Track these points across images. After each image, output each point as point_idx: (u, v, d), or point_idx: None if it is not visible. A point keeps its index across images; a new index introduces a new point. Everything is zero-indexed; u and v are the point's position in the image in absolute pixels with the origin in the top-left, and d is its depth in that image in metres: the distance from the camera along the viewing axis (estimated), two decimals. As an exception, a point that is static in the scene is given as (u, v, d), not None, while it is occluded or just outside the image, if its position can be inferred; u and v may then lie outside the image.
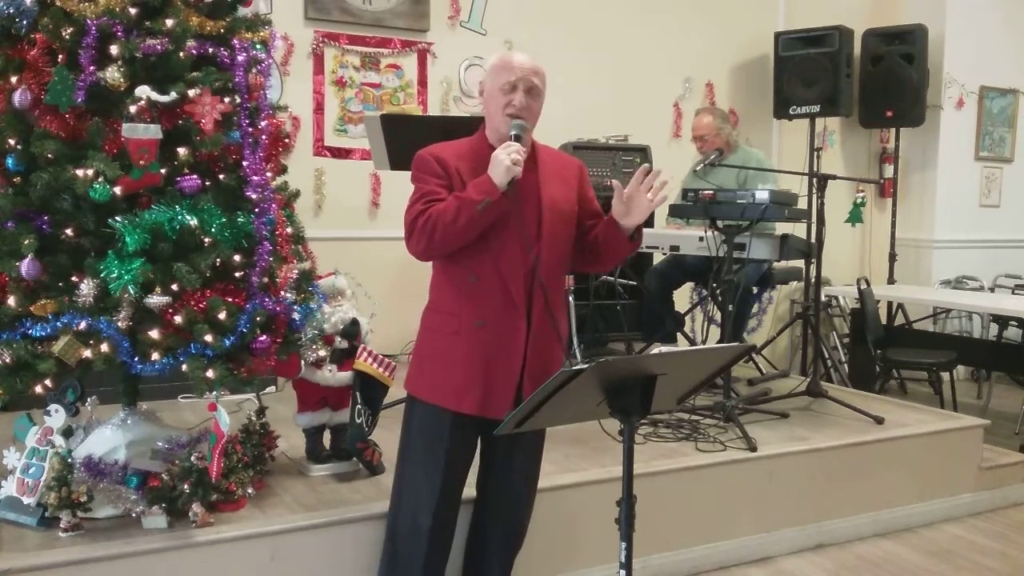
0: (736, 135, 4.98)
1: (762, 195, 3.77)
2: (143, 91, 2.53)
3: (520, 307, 2.41)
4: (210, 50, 2.66)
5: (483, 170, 2.33)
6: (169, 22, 2.57)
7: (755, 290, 4.96)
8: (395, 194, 4.59)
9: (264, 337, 2.69)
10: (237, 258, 2.68)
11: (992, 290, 6.63)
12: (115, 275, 2.49)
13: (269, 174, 2.83)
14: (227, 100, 2.66)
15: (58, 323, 2.49)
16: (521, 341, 2.42)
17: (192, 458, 2.65)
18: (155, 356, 2.54)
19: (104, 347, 2.51)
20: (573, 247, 2.56)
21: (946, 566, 3.38)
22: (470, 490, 2.63)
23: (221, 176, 2.71)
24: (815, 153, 4.87)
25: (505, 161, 2.27)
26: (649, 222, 5.31)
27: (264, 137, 2.80)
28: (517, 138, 2.35)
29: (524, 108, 2.39)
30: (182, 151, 2.62)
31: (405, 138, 3.65)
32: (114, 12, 2.51)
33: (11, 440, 2.84)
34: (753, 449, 3.43)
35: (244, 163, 2.70)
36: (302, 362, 2.96)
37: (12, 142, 2.55)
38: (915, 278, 6.60)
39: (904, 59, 6.19)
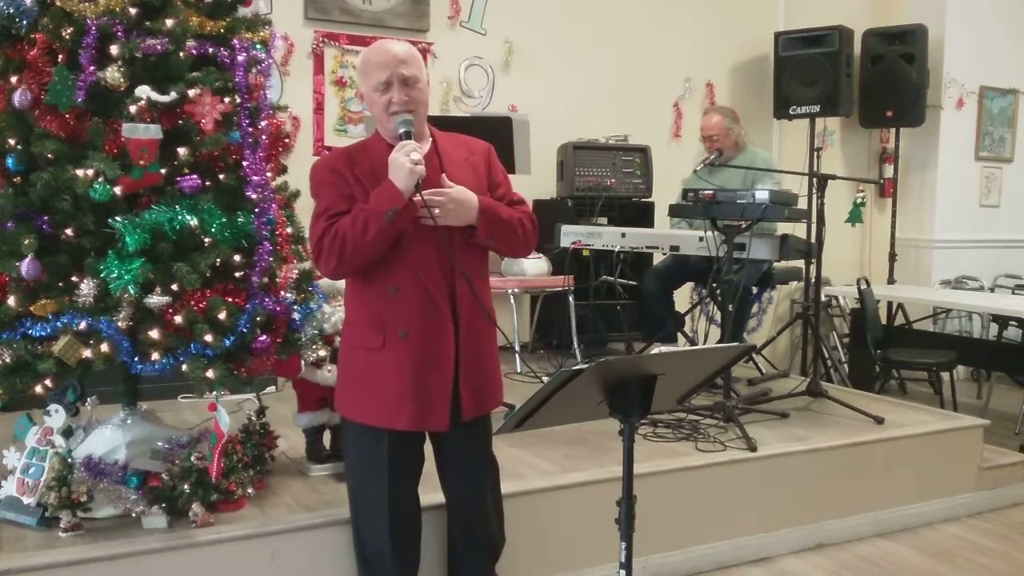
0: (745, 135, 4.95)
1: (762, 195, 3.77)
2: (143, 91, 2.53)
3: (444, 311, 2.33)
4: (210, 50, 2.66)
5: (383, 169, 2.27)
6: (169, 22, 2.56)
7: (755, 290, 4.96)
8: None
9: (264, 337, 2.69)
10: (237, 258, 2.67)
11: (992, 290, 6.63)
12: (115, 275, 2.49)
13: (269, 174, 2.83)
14: (227, 100, 2.65)
15: (58, 323, 2.49)
16: (450, 345, 2.34)
17: (192, 458, 2.65)
18: (155, 356, 2.54)
19: (104, 347, 2.51)
20: None
21: (946, 566, 3.38)
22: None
23: (221, 176, 2.70)
24: (815, 153, 4.86)
25: (406, 164, 2.20)
26: (649, 222, 5.33)
27: (264, 137, 2.80)
28: (407, 135, 2.27)
29: (407, 102, 2.30)
30: (182, 151, 2.62)
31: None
32: (114, 12, 2.51)
33: (11, 440, 2.84)
34: (753, 449, 3.43)
35: (244, 163, 2.70)
36: (302, 362, 2.96)
37: (12, 142, 2.55)
38: (915, 278, 6.60)
39: (904, 59, 6.18)
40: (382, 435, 2.38)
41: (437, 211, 2.28)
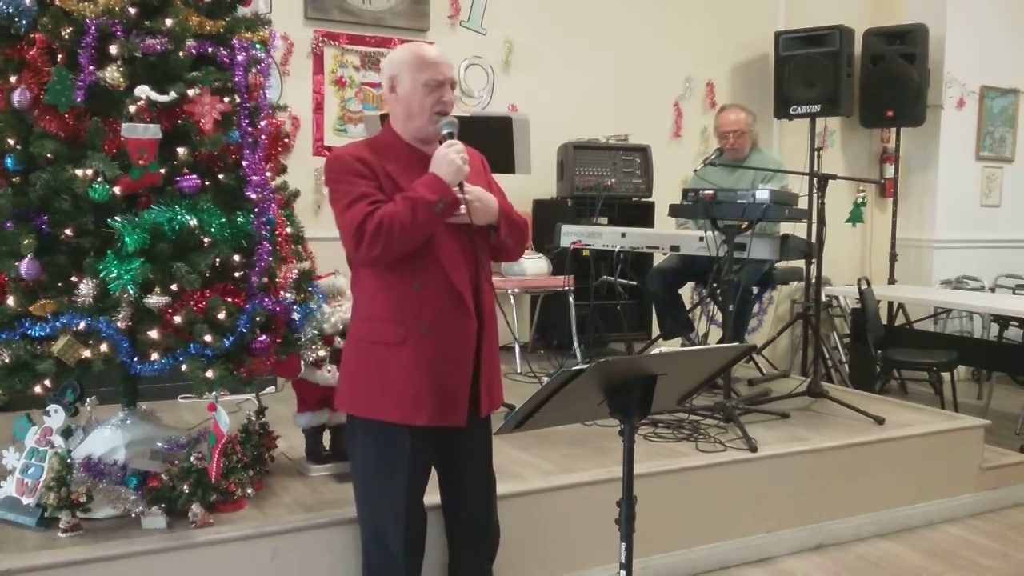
0: (758, 135, 4.91)
1: (762, 195, 3.77)
2: (142, 91, 2.53)
3: (470, 306, 2.35)
4: (210, 50, 2.66)
5: (411, 167, 2.30)
6: (168, 21, 2.56)
7: (756, 290, 4.95)
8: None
9: (264, 337, 2.68)
10: (237, 258, 2.67)
11: (993, 290, 6.63)
12: (114, 275, 2.49)
13: (269, 174, 2.83)
14: (227, 100, 2.65)
15: (57, 323, 2.49)
16: (472, 340, 2.36)
17: (191, 458, 2.64)
18: (154, 356, 2.53)
19: (103, 347, 2.50)
20: None
21: (946, 566, 3.37)
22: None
23: (221, 176, 2.70)
24: (815, 153, 4.86)
25: (456, 160, 2.25)
26: (649, 222, 5.33)
27: (264, 137, 2.80)
28: (451, 135, 2.32)
29: (450, 104, 2.37)
30: (181, 151, 2.61)
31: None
32: (113, 12, 2.50)
33: (10, 440, 2.84)
34: (754, 449, 3.43)
35: (244, 163, 2.70)
36: (302, 362, 2.96)
37: (11, 142, 2.55)
38: (916, 278, 6.60)
39: (905, 59, 6.18)
40: (402, 432, 2.36)
41: (464, 208, 2.31)
